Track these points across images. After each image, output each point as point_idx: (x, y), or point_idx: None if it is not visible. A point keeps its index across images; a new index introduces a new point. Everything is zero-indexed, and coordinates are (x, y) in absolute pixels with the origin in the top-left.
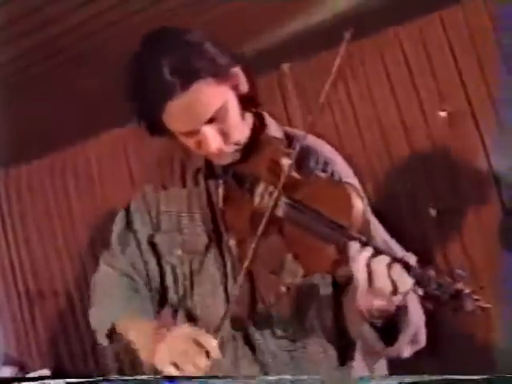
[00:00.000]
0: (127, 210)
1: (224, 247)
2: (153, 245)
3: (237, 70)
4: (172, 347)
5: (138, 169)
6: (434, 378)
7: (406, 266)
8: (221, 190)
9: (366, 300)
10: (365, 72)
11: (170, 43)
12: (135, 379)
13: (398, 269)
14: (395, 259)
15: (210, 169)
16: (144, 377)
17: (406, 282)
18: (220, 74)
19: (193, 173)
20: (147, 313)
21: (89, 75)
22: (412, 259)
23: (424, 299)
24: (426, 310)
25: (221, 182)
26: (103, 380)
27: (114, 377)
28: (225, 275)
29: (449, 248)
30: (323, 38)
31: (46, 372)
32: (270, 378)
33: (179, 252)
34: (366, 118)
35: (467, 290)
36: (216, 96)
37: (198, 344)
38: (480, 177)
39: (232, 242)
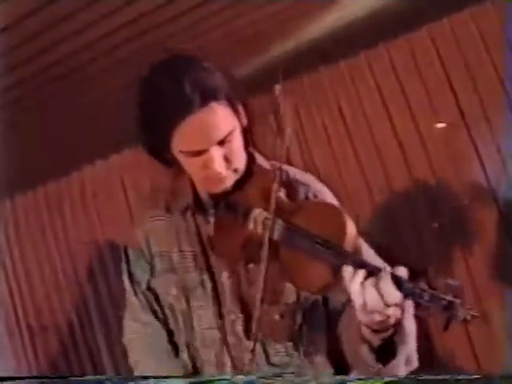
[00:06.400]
0: (127, 260)
1: (217, 280)
2: (151, 289)
3: (240, 106)
4: None
5: (135, 197)
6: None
7: (397, 280)
8: (212, 219)
9: (365, 319)
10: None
11: (188, 65)
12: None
13: (385, 284)
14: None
15: (198, 204)
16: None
17: (393, 295)
18: (232, 101)
19: (181, 210)
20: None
21: (85, 103)
22: (402, 272)
23: (417, 311)
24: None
25: (212, 211)
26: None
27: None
28: (219, 306)
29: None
30: (315, 57)
31: None
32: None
33: (174, 291)
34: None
35: (459, 301)
36: (228, 120)
37: None
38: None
39: (225, 275)
